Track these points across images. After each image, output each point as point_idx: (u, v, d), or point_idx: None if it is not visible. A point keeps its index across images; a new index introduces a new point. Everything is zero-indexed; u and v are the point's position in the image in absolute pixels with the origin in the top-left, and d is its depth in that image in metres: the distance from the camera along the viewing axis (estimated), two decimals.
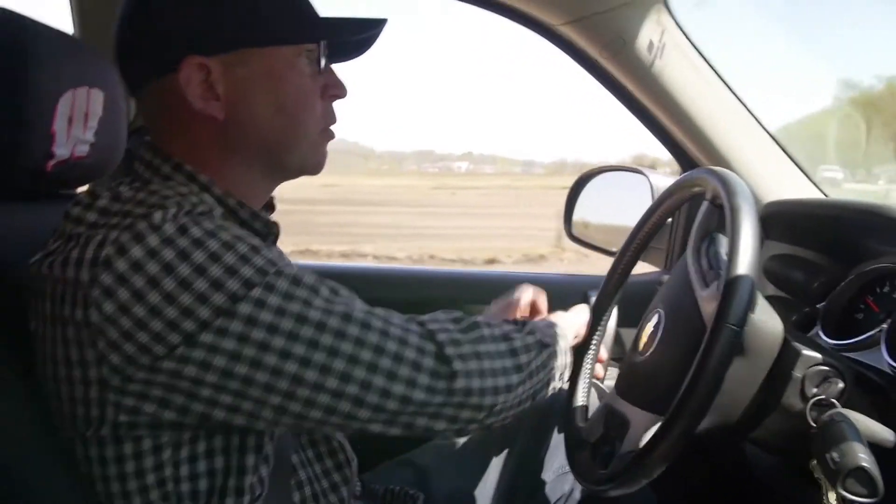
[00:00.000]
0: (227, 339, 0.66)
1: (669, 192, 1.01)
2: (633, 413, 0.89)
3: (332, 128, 0.85)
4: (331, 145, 0.86)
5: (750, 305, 0.74)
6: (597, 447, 0.97)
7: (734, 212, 0.79)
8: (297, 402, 0.69)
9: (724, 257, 0.82)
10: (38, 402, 0.73)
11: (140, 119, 1.32)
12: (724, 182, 0.84)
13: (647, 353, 0.93)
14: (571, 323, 0.99)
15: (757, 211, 0.80)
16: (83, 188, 1.05)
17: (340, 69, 0.86)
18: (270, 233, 0.82)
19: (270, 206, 0.88)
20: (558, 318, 0.98)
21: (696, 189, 0.95)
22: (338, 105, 0.86)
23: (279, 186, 0.87)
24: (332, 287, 0.73)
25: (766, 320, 0.82)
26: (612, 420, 0.93)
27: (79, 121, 0.88)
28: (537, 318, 1.00)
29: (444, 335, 0.75)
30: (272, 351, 0.67)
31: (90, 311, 0.66)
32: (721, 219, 0.86)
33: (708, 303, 0.82)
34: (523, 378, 0.81)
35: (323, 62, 0.81)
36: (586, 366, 1.05)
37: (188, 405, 0.69)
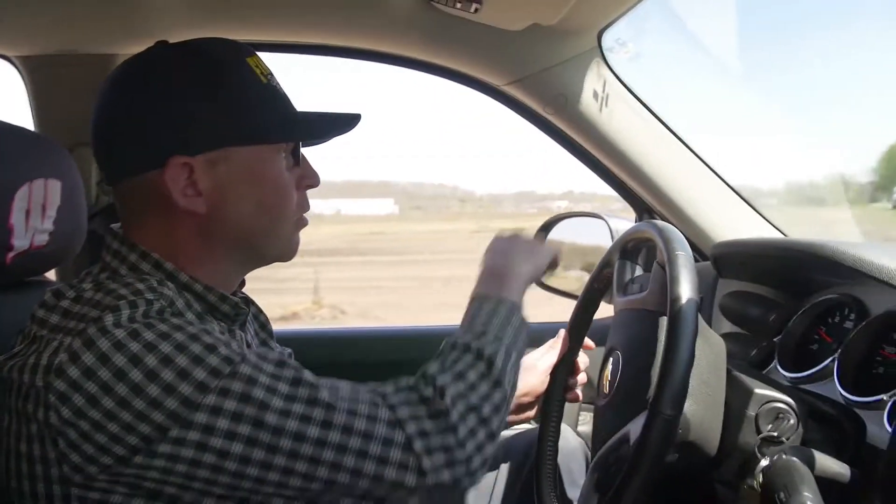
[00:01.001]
0: (185, 448, 0.66)
1: (615, 246, 1.05)
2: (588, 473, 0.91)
3: (306, 215, 0.86)
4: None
5: (683, 392, 0.76)
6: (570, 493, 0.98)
7: (672, 269, 0.81)
8: (260, 496, 0.70)
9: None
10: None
11: (103, 200, 1.34)
12: (667, 245, 0.87)
13: (610, 396, 0.95)
14: (525, 276, 0.90)
15: (696, 285, 0.82)
16: (48, 273, 1.07)
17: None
18: (239, 315, 0.82)
19: (241, 283, 0.88)
20: (508, 274, 0.89)
21: (642, 241, 0.99)
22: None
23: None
24: (292, 379, 0.70)
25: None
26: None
27: (36, 212, 0.89)
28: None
29: (413, 426, 0.71)
30: (231, 457, 0.67)
31: (49, 412, 0.66)
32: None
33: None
34: (499, 429, 0.77)
35: (299, 156, 0.84)
36: (553, 412, 1.07)
37: (156, 495, 0.69)
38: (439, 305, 8.44)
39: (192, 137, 0.76)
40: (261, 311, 0.97)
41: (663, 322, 0.89)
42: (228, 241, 0.80)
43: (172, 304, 0.72)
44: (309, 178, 0.85)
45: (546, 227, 1.68)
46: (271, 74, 0.82)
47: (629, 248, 1.04)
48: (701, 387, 0.83)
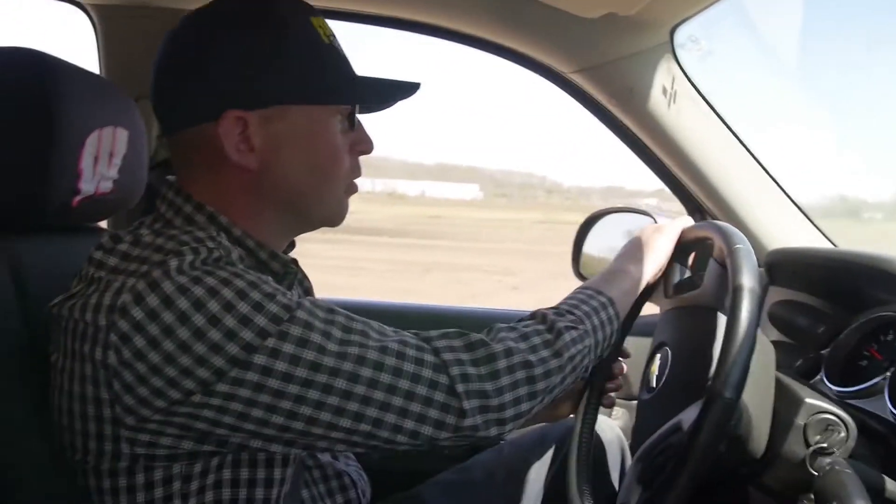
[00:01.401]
0: (243, 388, 0.68)
1: (696, 227, 1.02)
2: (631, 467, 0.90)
3: (356, 181, 0.87)
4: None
5: (744, 376, 0.75)
6: (603, 493, 0.97)
7: (736, 279, 0.79)
8: (310, 437, 0.72)
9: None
10: (50, 434, 0.76)
11: (161, 154, 1.36)
12: (729, 242, 0.85)
13: (657, 390, 0.95)
14: (636, 276, 0.95)
15: (758, 277, 0.81)
16: (106, 221, 1.09)
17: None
18: (288, 272, 0.84)
19: (291, 244, 0.90)
20: (620, 273, 0.94)
21: (696, 241, 0.98)
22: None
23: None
24: (344, 325, 0.73)
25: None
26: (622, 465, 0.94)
27: (104, 159, 0.91)
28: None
29: (457, 369, 0.74)
30: (287, 397, 0.69)
31: (108, 353, 0.68)
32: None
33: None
34: (541, 397, 0.79)
35: (355, 120, 0.84)
36: (591, 403, 1.06)
37: (204, 439, 0.71)
38: (398, 292, 8.39)
39: (249, 92, 0.77)
40: (306, 277, 0.98)
41: (720, 318, 0.89)
42: (278, 199, 0.81)
43: (229, 254, 0.74)
44: (363, 144, 0.86)
45: (592, 220, 1.67)
46: (334, 36, 0.83)
47: (681, 248, 1.03)
48: (752, 385, 0.82)
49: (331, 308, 0.74)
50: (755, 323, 0.77)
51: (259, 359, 0.68)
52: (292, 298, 0.72)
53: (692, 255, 1.06)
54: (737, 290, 0.79)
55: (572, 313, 0.84)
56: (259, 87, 0.78)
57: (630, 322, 1.06)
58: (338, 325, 0.72)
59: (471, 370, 0.74)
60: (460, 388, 0.73)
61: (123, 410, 0.69)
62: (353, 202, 0.89)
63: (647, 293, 1.02)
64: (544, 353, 0.79)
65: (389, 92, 0.86)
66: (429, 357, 0.74)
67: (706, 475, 0.76)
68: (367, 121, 0.88)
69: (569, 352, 0.80)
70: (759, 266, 1.35)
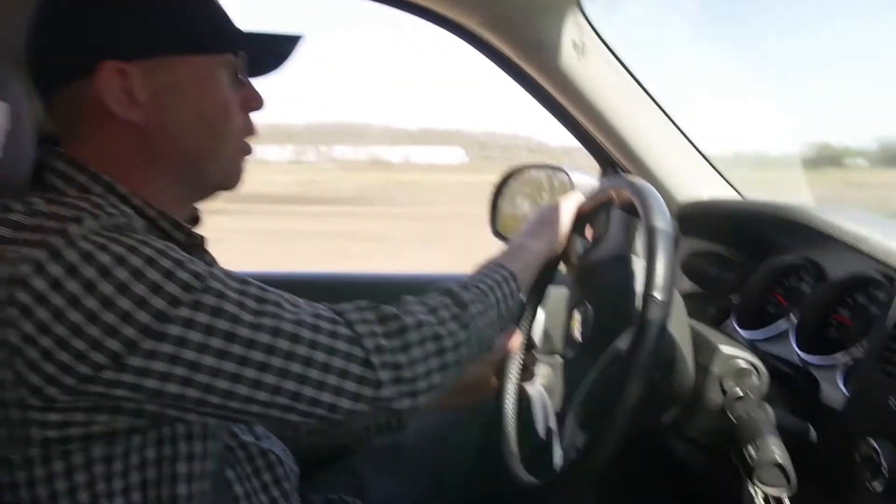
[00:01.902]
0: (157, 361, 0.65)
1: (592, 197, 1.04)
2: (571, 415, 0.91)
3: (250, 141, 0.85)
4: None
5: (671, 277, 0.78)
6: (531, 449, 0.98)
7: (651, 232, 0.81)
8: (227, 410, 0.70)
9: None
10: None
11: (49, 127, 1.26)
12: (642, 197, 0.86)
13: (583, 344, 0.96)
14: (536, 251, 0.99)
15: (672, 232, 0.82)
16: None
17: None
18: (194, 244, 0.81)
19: (196, 219, 0.87)
20: (521, 248, 0.98)
21: (615, 196, 0.99)
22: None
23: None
24: (258, 296, 0.71)
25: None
26: (546, 422, 0.96)
27: None
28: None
29: (371, 341, 0.74)
30: (203, 370, 0.66)
31: (7, 329, 0.63)
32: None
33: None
34: (452, 370, 0.81)
35: (242, 75, 0.82)
36: (515, 367, 1.07)
37: (118, 413, 0.68)
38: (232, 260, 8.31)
39: (125, 41, 0.75)
40: (207, 251, 0.94)
41: (633, 258, 0.95)
42: (168, 158, 0.78)
43: (131, 221, 0.71)
44: (253, 100, 0.84)
45: (508, 178, 1.67)
46: None
47: (579, 221, 1.05)
48: (670, 329, 0.84)
49: (243, 279, 0.72)
50: (672, 237, 0.80)
51: (172, 329, 0.65)
52: (203, 266, 0.70)
53: (588, 227, 1.08)
54: (647, 208, 0.82)
55: (477, 287, 0.86)
56: (136, 37, 0.75)
57: (541, 292, 1.08)
58: (251, 296, 0.70)
59: (384, 342, 0.75)
60: (375, 359, 0.74)
61: (28, 391, 0.64)
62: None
63: (551, 266, 1.06)
64: (452, 325, 0.80)
65: (270, 42, 0.85)
66: (343, 329, 0.74)
67: (642, 413, 0.77)
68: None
69: (475, 324, 0.82)
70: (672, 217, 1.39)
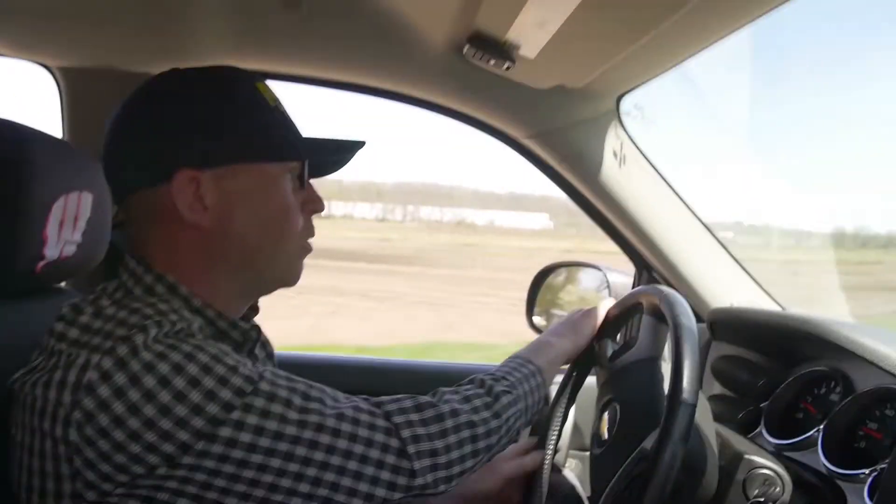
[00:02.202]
0: (207, 460, 0.69)
1: (621, 303, 1.09)
2: None
3: (310, 241, 0.90)
4: None
5: (699, 378, 0.81)
6: None
7: (677, 336, 0.85)
8: (271, 503, 0.73)
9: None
10: None
11: (121, 215, 1.36)
12: (668, 303, 0.91)
13: (609, 442, 0.99)
14: (561, 350, 1.03)
15: (697, 335, 0.86)
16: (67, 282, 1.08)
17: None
18: (248, 340, 0.86)
19: (254, 308, 0.92)
20: (547, 345, 1.03)
21: (644, 302, 1.04)
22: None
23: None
24: (304, 394, 0.75)
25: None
26: None
27: (69, 223, 0.91)
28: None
29: (408, 431, 0.78)
30: (250, 466, 0.71)
31: (69, 429, 0.68)
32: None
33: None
34: (482, 455, 0.85)
35: (305, 179, 0.87)
36: (547, 461, 1.09)
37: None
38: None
39: (200, 152, 0.79)
40: (268, 342, 1.00)
41: (662, 363, 0.99)
42: (231, 258, 0.82)
43: (190, 326, 0.75)
44: (314, 203, 0.88)
45: (545, 273, 1.72)
46: (279, 101, 0.87)
47: (611, 325, 1.10)
48: (695, 433, 0.87)
49: (290, 377, 0.77)
50: (697, 340, 0.84)
51: (224, 431, 0.69)
52: (254, 370, 0.74)
53: (621, 331, 1.13)
54: (673, 313, 0.87)
55: (506, 379, 0.91)
56: (209, 147, 0.80)
57: (574, 393, 1.11)
58: (298, 394, 0.75)
59: (420, 430, 0.79)
60: (411, 448, 0.78)
61: (84, 486, 0.68)
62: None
63: (584, 368, 1.11)
64: (485, 413, 0.85)
65: (333, 148, 0.90)
66: (380, 422, 0.78)
67: None
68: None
69: (506, 413, 0.87)
70: (702, 322, 1.42)
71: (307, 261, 0.89)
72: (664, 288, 0.95)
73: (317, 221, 0.91)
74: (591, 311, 1.09)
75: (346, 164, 0.93)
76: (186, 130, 0.80)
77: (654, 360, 1.02)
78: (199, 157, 0.79)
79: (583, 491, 1.24)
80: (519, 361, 0.97)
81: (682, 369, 0.80)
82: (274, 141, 0.84)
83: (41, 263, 0.89)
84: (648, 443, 0.86)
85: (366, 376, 1.61)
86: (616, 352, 1.10)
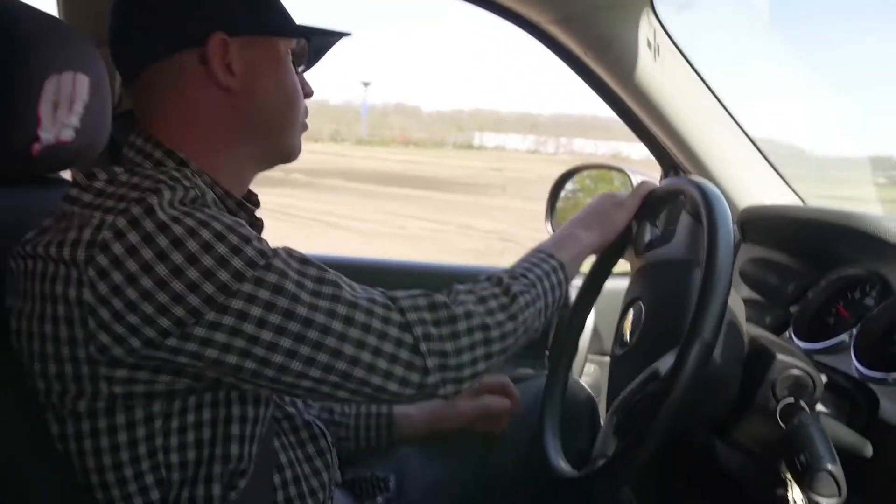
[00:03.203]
0: (218, 332, 0.69)
1: (665, 188, 1.03)
2: (607, 420, 0.91)
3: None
4: None
5: (721, 320, 0.76)
6: (574, 444, 0.99)
7: (710, 268, 0.80)
8: (281, 384, 0.73)
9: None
10: (12, 384, 0.75)
11: (124, 104, 1.32)
12: (705, 196, 0.86)
13: (631, 345, 0.96)
14: (587, 244, 0.98)
15: (733, 229, 0.82)
16: (67, 172, 1.06)
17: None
18: (254, 224, 0.85)
19: (255, 203, 0.91)
20: (572, 238, 0.97)
21: (675, 197, 0.98)
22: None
23: None
24: (316, 277, 0.74)
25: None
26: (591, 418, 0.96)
27: (64, 105, 0.88)
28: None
29: (420, 328, 0.77)
30: (261, 343, 0.70)
31: (83, 290, 0.68)
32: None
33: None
34: (496, 358, 0.83)
35: (305, 60, 0.90)
36: (562, 361, 1.07)
37: (180, 376, 0.73)
38: None
39: (233, 19, 0.81)
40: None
41: (694, 269, 0.91)
42: (252, 124, 0.84)
43: (204, 196, 0.76)
44: (307, 86, 0.90)
45: (565, 177, 1.67)
46: None
47: (650, 207, 1.03)
48: (724, 336, 0.84)
49: (304, 258, 0.76)
50: (730, 270, 0.79)
51: (235, 303, 0.69)
52: (267, 246, 0.73)
53: (662, 214, 1.06)
54: (712, 239, 0.81)
55: (525, 276, 0.88)
56: (241, 16, 0.81)
57: (600, 283, 1.07)
58: (310, 277, 0.74)
59: (433, 330, 0.77)
60: (423, 346, 0.76)
61: (97, 349, 0.69)
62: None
63: (611, 259, 1.05)
64: (500, 315, 0.82)
65: (328, 34, 0.92)
66: (395, 316, 0.77)
67: (679, 424, 0.77)
68: None
69: (522, 315, 0.84)
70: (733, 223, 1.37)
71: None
72: (710, 190, 0.87)
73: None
74: (625, 203, 1.02)
75: (324, 54, 0.96)
76: None
77: (688, 265, 0.95)
78: (231, 23, 0.81)
79: (594, 398, 1.23)
80: (541, 256, 0.92)
81: (707, 305, 0.76)
82: (284, 18, 0.86)
83: (37, 146, 0.86)
84: (662, 366, 0.83)
85: (384, 277, 1.59)
86: (652, 241, 1.04)
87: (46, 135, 0.86)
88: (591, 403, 1.20)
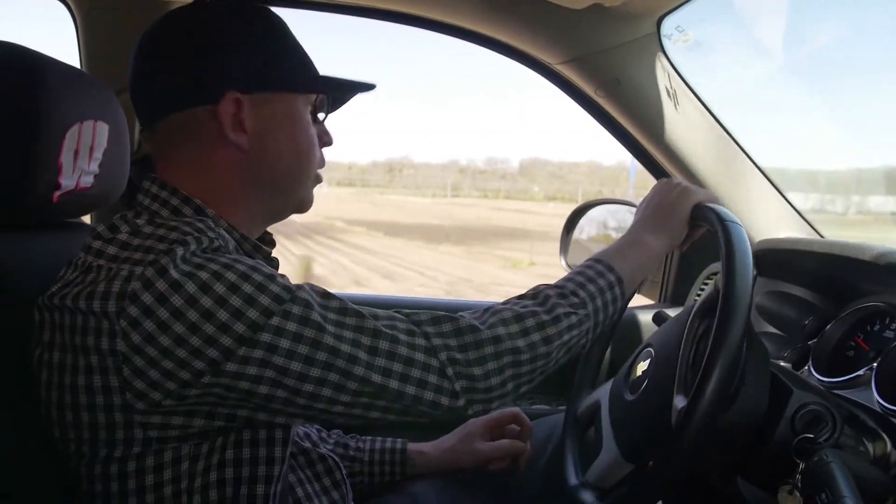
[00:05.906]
0: (250, 365, 0.70)
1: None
2: (609, 448, 0.90)
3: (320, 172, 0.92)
4: None
5: (737, 357, 0.76)
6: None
7: (728, 252, 0.79)
8: (313, 410, 0.75)
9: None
10: (35, 428, 0.75)
11: (143, 150, 1.34)
12: (721, 220, 0.85)
13: (637, 394, 0.94)
14: (656, 251, 0.92)
15: (750, 252, 0.81)
16: (86, 217, 1.08)
17: None
18: (269, 264, 0.85)
19: (271, 243, 0.92)
20: (639, 245, 0.92)
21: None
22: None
23: None
24: (339, 308, 0.76)
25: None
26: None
27: (84, 153, 0.90)
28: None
29: (445, 354, 0.76)
30: (290, 374, 0.71)
31: (116, 340, 0.69)
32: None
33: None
34: (526, 378, 0.81)
35: (325, 113, 0.91)
36: (584, 390, 1.07)
37: (214, 416, 0.74)
38: None
39: (246, 76, 0.82)
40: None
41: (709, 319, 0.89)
42: (263, 180, 0.85)
43: (227, 244, 0.78)
44: (326, 136, 0.92)
45: (579, 212, 1.67)
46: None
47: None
48: (748, 375, 0.83)
49: (326, 292, 0.77)
50: (746, 313, 0.78)
51: (264, 336, 0.70)
52: (289, 281, 0.75)
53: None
54: (729, 283, 0.79)
55: (576, 294, 0.84)
56: (254, 73, 0.82)
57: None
58: (333, 309, 0.75)
59: (458, 355, 0.77)
60: (450, 370, 0.76)
61: (134, 396, 0.70)
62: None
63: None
64: (535, 336, 0.80)
65: (350, 87, 0.92)
66: (420, 340, 0.77)
67: (699, 458, 0.76)
68: None
69: (561, 338, 0.81)
70: None
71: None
72: (738, 239, 0.83)
73: None
74: (689, 192, 0.95)
75: (345, 103, 0.97)
76: (237, 55, 0.82)
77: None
78: (244, 81, 0.82)
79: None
80: (599, 269, 0.87)
81: (711, 371, 0.75)
82: (303, 73, 0.87)
83: (57, 193, 0.88)
84: (678, 399, 0.82)
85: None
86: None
87: (67, 182, 0.88)
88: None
